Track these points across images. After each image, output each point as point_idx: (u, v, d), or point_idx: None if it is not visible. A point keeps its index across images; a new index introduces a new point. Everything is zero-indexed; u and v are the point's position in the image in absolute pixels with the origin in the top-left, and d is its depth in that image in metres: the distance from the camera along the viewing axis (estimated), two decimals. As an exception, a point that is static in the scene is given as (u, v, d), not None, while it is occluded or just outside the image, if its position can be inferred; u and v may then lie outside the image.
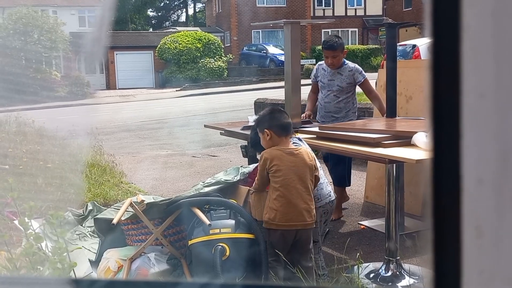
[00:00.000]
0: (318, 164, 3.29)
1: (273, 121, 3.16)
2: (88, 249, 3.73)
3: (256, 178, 3.25)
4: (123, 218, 3.47)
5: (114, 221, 3.33)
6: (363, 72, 4.74)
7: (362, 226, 4.60)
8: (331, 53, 4.60)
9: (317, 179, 3.21)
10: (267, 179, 3.12)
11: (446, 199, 0.47)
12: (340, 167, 4.75)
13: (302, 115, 4.57)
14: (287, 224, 3.07)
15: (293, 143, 3.30)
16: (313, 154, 3.24)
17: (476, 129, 0.46)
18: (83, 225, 4.08)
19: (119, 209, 3.55)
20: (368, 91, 4.77)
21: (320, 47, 32.12)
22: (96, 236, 3.88)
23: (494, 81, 0.45)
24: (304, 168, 3.12)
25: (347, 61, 4.73)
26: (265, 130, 3.14)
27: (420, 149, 3.22)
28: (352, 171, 5.05)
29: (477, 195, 0.46)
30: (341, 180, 4.84)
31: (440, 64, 0.48)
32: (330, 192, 3.46)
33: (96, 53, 20.30)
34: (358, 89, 4.85)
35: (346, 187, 4.97)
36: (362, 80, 4.67)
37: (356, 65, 4.77)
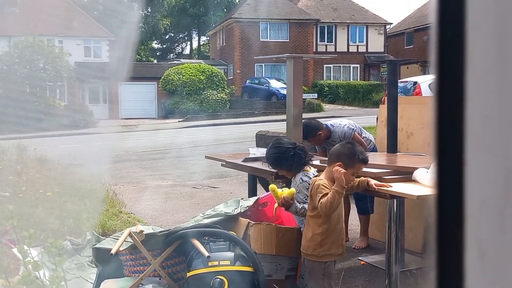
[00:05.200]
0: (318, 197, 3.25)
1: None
2: (86, 279, 3.69)
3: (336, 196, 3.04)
4: (121, 248, 3.44)
5: (113, 251, 3.31)
6: (350, 130, 4.88)
7: (362, 262, 4.56)
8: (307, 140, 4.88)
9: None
10: None
11: (450, 220, 0.48)
12: (361, 195, 4.87)
13: None
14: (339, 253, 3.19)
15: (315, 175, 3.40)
16: (318, 184, 3.15)
17: (479, 152, 0.47)
18: (82, 254, 4.05)
19: (118, 239, 3.53)
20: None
21: (322, 81, 32.46)
22: (94, 266, 3.85)
23: (497, 105, 0.47)
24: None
25: (334, 126, 4.91)
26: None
27: (421, 185, 3.22)
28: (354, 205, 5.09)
29: (480, 217, 0.47)
30: (363, 209, 4.97)
31: (445, 89, 0.49)
32: None
33: (120, 72, 20.44)
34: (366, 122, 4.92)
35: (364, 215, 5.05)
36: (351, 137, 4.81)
37: (343, 129, 4.90)
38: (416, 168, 3.35)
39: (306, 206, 3.29)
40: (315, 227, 3.10)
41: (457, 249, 0.47)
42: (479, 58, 0.47)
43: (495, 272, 0.47)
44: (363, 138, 4.94)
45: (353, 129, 4.88)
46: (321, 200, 2.99)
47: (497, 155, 0.47)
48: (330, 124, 4.96)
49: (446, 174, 0.49)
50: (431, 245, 0.49)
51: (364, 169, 3.56)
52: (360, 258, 4.64)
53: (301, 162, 3.55)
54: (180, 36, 51.08)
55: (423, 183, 3.23)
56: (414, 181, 3.30)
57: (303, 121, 4.70)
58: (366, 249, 4.91)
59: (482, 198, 0.47)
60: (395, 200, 3.45)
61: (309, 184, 3.39)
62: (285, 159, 3.58)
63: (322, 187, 3.04)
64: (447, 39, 0.48)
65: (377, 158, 4.32)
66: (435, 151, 0.49)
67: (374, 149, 5.03)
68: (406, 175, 3.39)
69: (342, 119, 5.19)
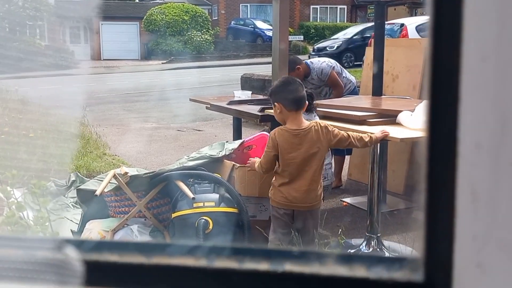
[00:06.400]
0: (336, 130, 3.01)
1: (284, 94, 2.93)
2: (71, 220, 3.72)
3: (262, 156, 3.06)
4: (106, 190, 3.45)
5: (97, 192, 3.32)
6: (328, 67, 4.80)
7: (344, 203, 4.64)
8: None
9: (341, 140, 2.98)
10: (273, 160, 2.96)
11: (442, 162, 0.47)
12: None
13: None
14: (285, 204, 2.98)
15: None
16: (325, 124, 3.00)
17: (475, 93, 0.45)
18: (66, 195, 4.06)
19: (102, 181, 3.53)
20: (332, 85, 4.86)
21: (308, 23, 32.00)
22: (79, 207, 3.87)
23: (496, 44, 0.45)
24: (312, 148, 2.93)
25: (313, 63, 4.83)
26: (275, 103, 2.94)
27: (404, 128, 3.24)
28: None
29: (473, 159, 0.46)
30: (338, 151, 4.90)
31: (441, 26, 0.46)
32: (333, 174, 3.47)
33: (96, 10, 19.90)
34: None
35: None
36: (327, 78, 4.79)
37: (321, 65, 4.80)
38: (400, 111, 3.35)
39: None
40: (319, 176, 3.01)
41: (449, 192, 0.46)
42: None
43: (488, 216, 0.46)
44: (342, 78, 4.90)
45: (331, 66, 4.81)
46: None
47: (494, 96, 0.45)
48: (310, 62, 4.90)
49: (439, 113, 0.47)
50: (420, 186, 0.48)
51: (349, 112, 3.56)
52: (342, 199, 4.72)
53: (308, 108, 3.38)
54: (163, -26, 49.56)
55: (407, 126, 3.24)
56: (398, 124, 3.31)
57: None
58: (348, 191, 5.00)
59: (476, 140, 0.46)
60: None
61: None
62: None
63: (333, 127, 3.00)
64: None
65: (362, 101, 4.32)
66: (429, 87, 0.47)
67: (354, 91, 5.01)
68: (390, 118, 3.40)
69: (322, 58, 5.13)
